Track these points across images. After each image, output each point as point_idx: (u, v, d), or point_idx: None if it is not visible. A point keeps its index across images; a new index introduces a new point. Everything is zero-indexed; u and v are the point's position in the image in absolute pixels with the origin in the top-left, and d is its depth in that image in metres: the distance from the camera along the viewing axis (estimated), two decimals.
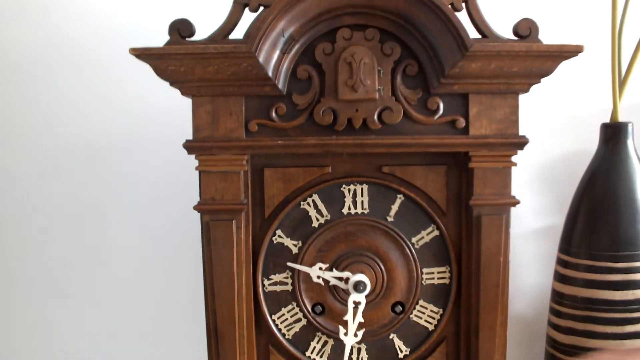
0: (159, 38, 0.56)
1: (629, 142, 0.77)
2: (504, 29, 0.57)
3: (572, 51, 0.53)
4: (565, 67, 0.58)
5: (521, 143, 0.57)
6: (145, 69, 0.53)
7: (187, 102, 0.56)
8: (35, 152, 0.97)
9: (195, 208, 0.56)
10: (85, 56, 0.95)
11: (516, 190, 0.58)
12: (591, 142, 0.80)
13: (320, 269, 0.56)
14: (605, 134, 0.78)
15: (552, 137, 0.81)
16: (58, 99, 0.96)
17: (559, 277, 0.81)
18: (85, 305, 1.00)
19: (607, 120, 0.79)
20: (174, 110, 0.91)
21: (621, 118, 0.77)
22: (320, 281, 0.56)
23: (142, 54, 0.51)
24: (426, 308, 0.61)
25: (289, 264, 0.58)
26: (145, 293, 0.99)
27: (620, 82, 0.77)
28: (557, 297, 0.81)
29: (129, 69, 0.90)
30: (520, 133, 0.57)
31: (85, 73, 0.95)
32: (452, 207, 0.60)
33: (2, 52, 0.96)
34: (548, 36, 0.57)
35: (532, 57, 0.53)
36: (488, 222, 0.58)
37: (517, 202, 0.58)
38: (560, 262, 0.81)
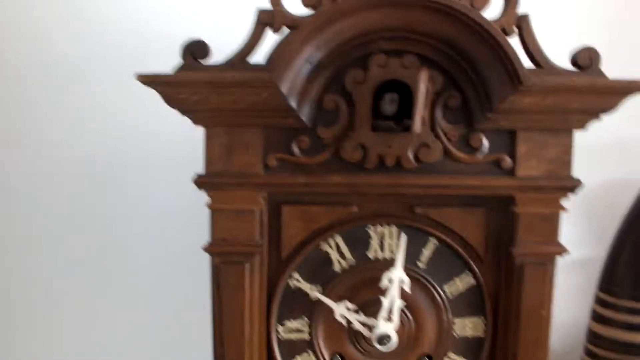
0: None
1: None
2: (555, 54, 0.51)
3: None
4: None
5: (574, 187, 0.50)
6: None
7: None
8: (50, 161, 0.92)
9: (205, 249, 0.50)
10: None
11: None
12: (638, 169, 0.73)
13: (348, 308, 0.50)
14: None
15: (592, 162, 0.74)
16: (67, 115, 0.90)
17: (596, 317, 0.75)
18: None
19: None
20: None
21: None
22: (344, 321, 0.51)
23: (151, 81, 0.45)
24: None
25: (317, 294, 0.52)
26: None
27: None
28: (594, 337, 0.75)
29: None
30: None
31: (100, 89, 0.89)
32: (491, 253, 0.53)
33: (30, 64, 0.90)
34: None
35: (595, 93, 0.46)
36: (531, 272, 0.52)
37: (566, 251, 0.52)
38: (599, 301, 0.75)
